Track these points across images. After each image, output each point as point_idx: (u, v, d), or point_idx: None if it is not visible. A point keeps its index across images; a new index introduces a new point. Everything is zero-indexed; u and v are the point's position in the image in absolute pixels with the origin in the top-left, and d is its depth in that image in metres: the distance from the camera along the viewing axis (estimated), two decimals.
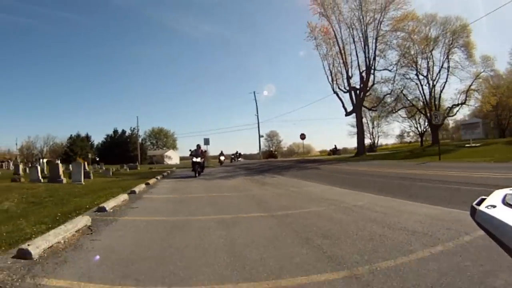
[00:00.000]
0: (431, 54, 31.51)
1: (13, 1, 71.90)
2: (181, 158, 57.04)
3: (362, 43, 29.68)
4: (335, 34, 30.09)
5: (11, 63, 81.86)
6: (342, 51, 30.32)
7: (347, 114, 30.73)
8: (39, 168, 13.79)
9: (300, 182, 10.18)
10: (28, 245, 2.93)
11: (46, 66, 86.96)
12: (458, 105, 32.02)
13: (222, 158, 30.31)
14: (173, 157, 60.59)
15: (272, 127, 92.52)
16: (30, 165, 21.21)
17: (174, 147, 70.58)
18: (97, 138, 66.10)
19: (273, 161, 33.25)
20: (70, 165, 14.97)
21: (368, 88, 29.92)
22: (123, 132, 62.16)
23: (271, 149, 61.04)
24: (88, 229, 4.03)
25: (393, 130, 33.22)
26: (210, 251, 3.06)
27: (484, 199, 1.37)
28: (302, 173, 14.32)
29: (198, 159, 14.71)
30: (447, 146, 26.27)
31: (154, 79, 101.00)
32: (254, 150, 54.74)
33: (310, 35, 31.24)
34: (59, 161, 19.74)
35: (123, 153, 55.42)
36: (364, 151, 29.80)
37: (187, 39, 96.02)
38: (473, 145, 24.64)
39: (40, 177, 12.39)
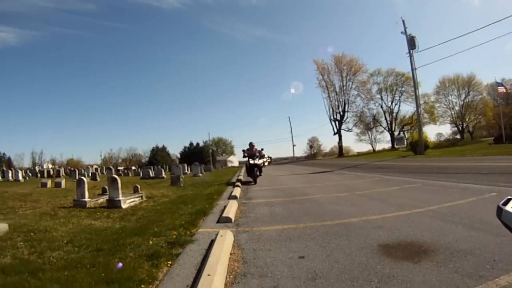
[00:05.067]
0: (391, 93, 53.98)
1: (69, 15, 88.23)
2: (240, 163, 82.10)
3: (341, 94, 53.66)
4: (327, 87, 54.33)
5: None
6: (333, 97, 54.41)
7: (334, 134, 54.44)
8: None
9: (286, 165, 34.88)
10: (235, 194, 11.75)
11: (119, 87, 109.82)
12: (408, 124, 53.48)
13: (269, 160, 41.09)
14: (234, 161, 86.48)
15: (314, 133, 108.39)
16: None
17: (232, 153, 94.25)
18: (171, 148, 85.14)
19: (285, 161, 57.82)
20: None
21: (342, 121, 53.89)
22: (198, 144, 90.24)
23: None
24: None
25: (386, 138, 54.88)
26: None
27: (511, 199, 1.35)
28: (300, 162, 38.79)
29: (256, 161, 11.92)
30: (386, 150, 48.72)
31: (211, 91, 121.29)
32: (297, 153, 73.62)
33: (319, 85, 56.09)
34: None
35: (198, 160, 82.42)
36: (342, 154, 52.55)
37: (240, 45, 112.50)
38: (401, 148, 46.22)
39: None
